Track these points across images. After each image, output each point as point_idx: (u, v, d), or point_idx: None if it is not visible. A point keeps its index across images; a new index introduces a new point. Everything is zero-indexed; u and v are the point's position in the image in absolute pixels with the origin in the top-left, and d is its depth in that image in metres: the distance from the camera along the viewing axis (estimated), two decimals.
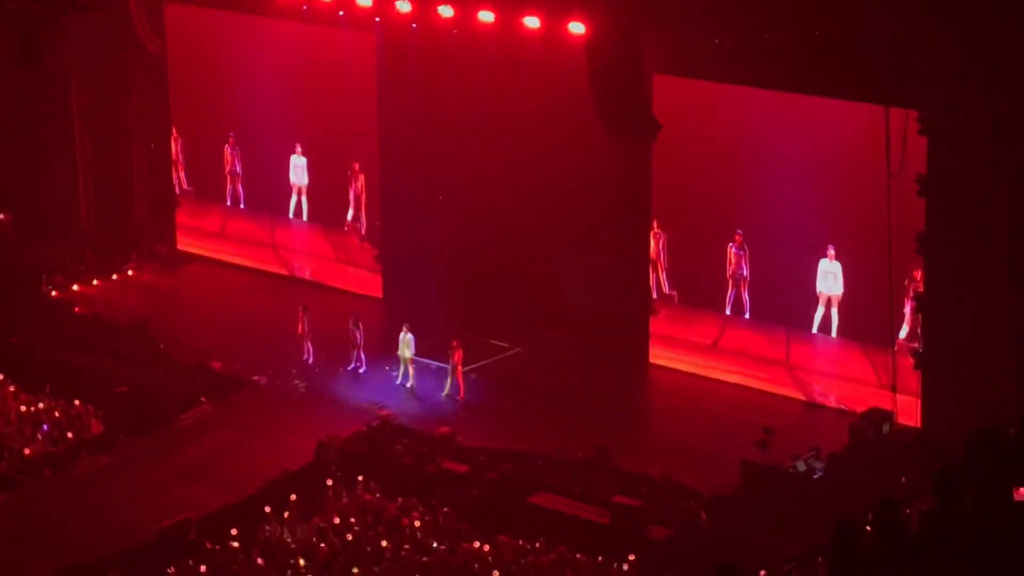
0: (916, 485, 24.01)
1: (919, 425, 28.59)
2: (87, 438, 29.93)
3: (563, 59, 29.90)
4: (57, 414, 30.40)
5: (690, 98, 31.46)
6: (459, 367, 31.74)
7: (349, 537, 26.02)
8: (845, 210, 30.30)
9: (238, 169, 38.68)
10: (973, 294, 27.63)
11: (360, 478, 27.72)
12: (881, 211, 28.12)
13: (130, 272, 38.14)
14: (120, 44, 37.37)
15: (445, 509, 26.87)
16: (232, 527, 26.25)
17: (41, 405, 30.66)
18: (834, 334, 31.04)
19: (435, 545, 25.85)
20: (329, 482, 27.61)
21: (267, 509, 26.57)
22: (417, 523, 26.49)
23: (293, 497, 26.95)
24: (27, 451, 29.40)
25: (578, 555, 25.44)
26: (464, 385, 31.79)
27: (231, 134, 38.56)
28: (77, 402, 30.61)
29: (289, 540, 26.15)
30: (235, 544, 25.95)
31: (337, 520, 26.60)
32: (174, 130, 39.34)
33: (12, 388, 31.37)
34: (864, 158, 28.89)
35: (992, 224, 27.23)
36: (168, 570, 25.45)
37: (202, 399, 31.37)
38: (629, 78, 28.10)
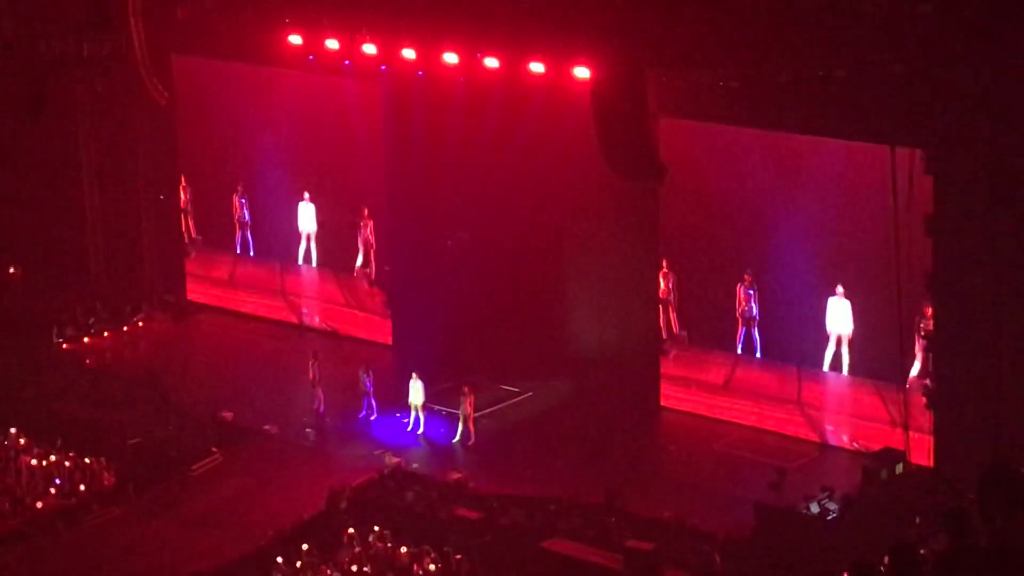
0: (930, 525, 23.92)
1: (932, 463, 28.49)
2: (99, 491, 29.88)
3: (569, 103, 30.01)
4: (68, 465, 30.37)
5: (697, 140, 31.55)
6: (471, 413, 31.69)
7: None
8: (854, 248, 30.28)
9: (247, 217, 38.78)
10: (983, 331, 27.57)
11: (376, 528, 27.61)
12: (890, 249, 28.14)
13: (140, 323, 38.19)
14: (128, 96, 37.53)
15: (458, 556, 26.79)
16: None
17: (53, 458, 30.62)
18: (845, 372, 30.98)
19: None
20: (351, 530, 27.43)
21: (279, 560, 26.47)
22: (432, 568, 26.40)
23: (305, 546, 26.87)
24: (39, 505, 29.38)
25: None
26: (475, 431, 31.72)
27: (240, 183, 38.67)
28: (88, 460, 30.52)
29: None
30: None
31: (351, 568, 26.51)
32: (183, 179, 39.50)
33: (24, 441, 31.36)
34: (871, 197, 28.93)
35: (1000, 261, 27.20)
36: None
37: (214, 449, 31.33)
38: (635, 122, 28.18)
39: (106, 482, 30.14)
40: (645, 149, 28.56)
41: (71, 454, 30.70)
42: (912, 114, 26.99)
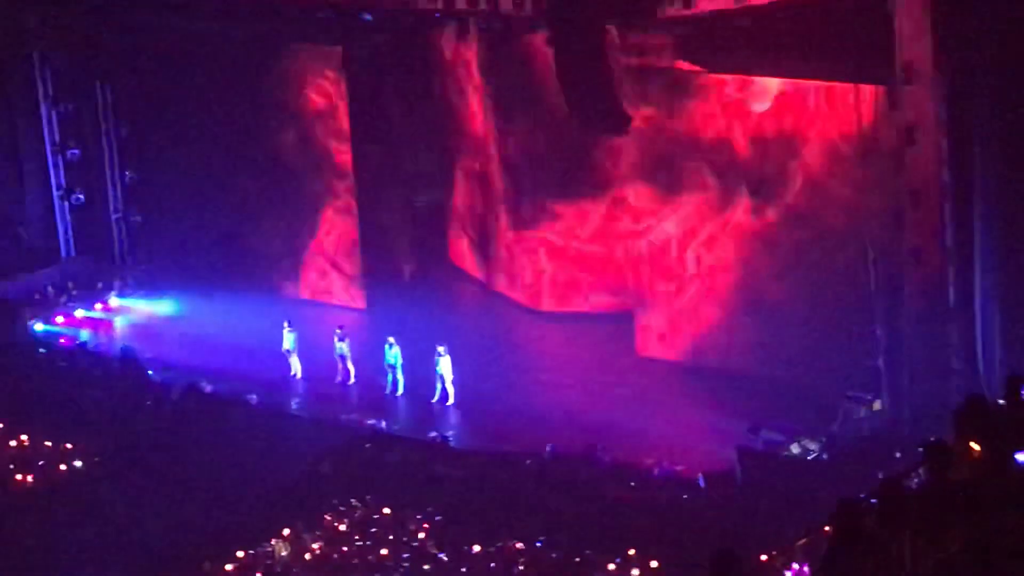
0: (911, 459, 24.00)
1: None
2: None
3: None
4: (48, 446, 30.05)
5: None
6: (448, 373, 31.59)
7: (344, 549, 25.92)
8: None
9: None
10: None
11: (356, 493, 27.53)
12: None
13: (113, 300, 37.94)
14: None
15: (438, 517, 26.71)
16: (233, 546, 26.05)
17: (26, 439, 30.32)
18: None
19: (436, 552, 25.75)
20: (334, 501, 27.35)
21: (272, 542, 26.27)
22: (416, 531, 26.39)
23: (287, 531, 26.66)
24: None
25: (587, 552, 25.33)
26: (454, 390, 31.64)
27: None
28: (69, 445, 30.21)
29: (286, 556, 26.00)
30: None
31: (339, 530, 26.47)
32: None
33: (1, 424, 31.06)
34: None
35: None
36: None
37: None
38: (597, 74, 28.15)
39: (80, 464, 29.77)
40: (608, 101, 28.55)
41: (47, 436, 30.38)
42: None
